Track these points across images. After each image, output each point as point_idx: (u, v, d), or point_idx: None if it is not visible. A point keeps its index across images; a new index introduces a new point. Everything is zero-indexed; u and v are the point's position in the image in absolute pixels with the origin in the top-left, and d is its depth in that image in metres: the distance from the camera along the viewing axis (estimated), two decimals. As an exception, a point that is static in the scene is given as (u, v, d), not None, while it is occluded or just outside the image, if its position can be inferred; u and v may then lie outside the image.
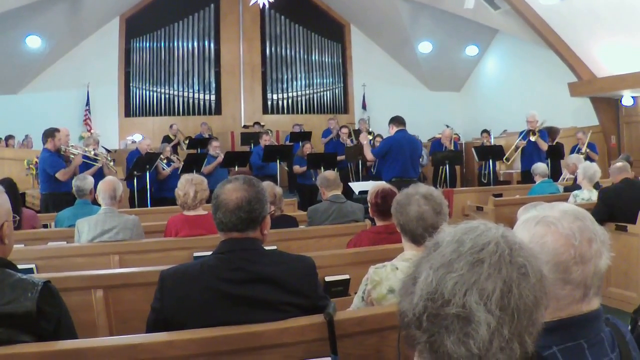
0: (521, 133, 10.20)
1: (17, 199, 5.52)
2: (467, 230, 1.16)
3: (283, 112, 16.54)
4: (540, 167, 7.95)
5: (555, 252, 1.39)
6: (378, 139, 11.82)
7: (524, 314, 1.06)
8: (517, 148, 10.28)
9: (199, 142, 12.57)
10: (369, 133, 13.30)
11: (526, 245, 1.16)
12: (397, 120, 7.60)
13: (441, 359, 1.08)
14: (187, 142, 13.12)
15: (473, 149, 11.40)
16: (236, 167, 10.11)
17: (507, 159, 10.78)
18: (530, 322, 1.08)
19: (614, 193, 5.84)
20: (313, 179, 9.83)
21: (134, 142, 13.49)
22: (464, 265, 1.08)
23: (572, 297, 1.40)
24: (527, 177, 9.65)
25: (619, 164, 6.28)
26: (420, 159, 8.08)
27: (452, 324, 1.05)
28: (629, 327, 1.92)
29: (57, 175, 7.39)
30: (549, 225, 1.43)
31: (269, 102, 16.52)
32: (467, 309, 1.04)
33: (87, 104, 14.60)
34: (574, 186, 7.37)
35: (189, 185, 4.66)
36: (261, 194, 2.30)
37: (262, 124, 14.77)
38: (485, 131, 13.14)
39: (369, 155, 7.97)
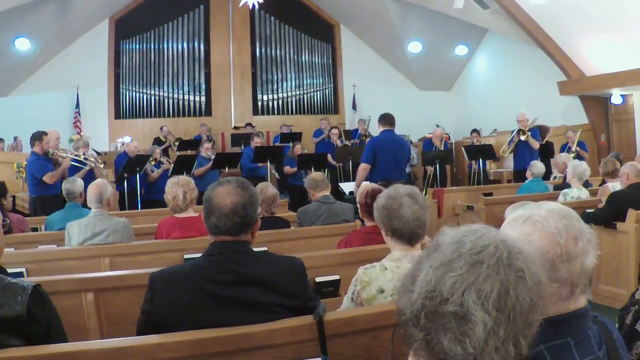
0: (513, 133, 10.17)
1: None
2: (467, 233, 1.18)
3: (273, 113, 16.48)
4: (538, 166, 7.79)
5: (542, 251, 1.40)
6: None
7: (519, 316, 1.08)
8: (511, 142, 10.00)
9: (190, 144, 12.54)
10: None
11: (525, 249, 1.18)
12: (384, 120, 7.17)
13: (437, 358, 1.09)
14: (177, 143, 13.07)
15: (463, 149, 11.45)
16: (227, 169, 10.11)
17: (503, 153, 10.64)
18: (525, 325, 1.10)
19: (624, 197, 5.66)
20: (304, 179, 9.82)
21: (124, 144, 13.44)
22: (463, 265, 1.10)
23: (558, 295, 1.41)
24: (519, 176, 9.64)
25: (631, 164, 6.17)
26: (411, 160, 7.82)
27: (449, 322, 1.07)
28: (617, 325, 1.94)
29: (44, 178, 7.36)
30: (535, 224, 1.44)
31: (259, 103, 16.47)
32: (464, 307, 1.06)
33: (77, 106, 14.52)
34: (564, 184, 7.40)
35: (176, 187, 4.63)
36: (254, 197, 2.29)
37: (253, 125, 14.75)
38: (475, 130, 13.20)
39: (363, 166, 7.09)
